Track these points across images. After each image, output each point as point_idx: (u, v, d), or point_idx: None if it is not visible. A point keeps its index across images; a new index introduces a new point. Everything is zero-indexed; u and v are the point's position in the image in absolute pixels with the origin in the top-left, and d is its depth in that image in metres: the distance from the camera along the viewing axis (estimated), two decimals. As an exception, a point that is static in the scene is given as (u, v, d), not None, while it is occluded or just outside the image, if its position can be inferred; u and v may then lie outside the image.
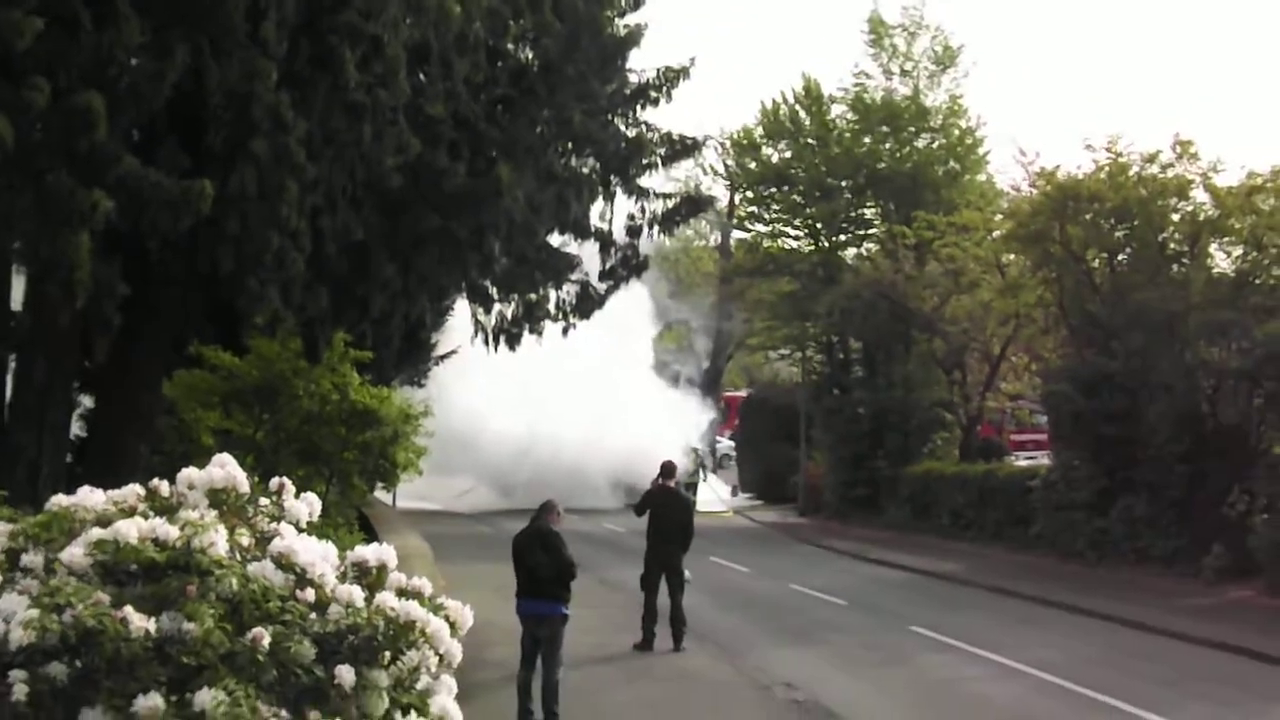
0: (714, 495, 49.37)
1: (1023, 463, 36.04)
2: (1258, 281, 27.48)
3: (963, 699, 15.70)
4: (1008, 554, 30.07)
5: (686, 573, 19.00)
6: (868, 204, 51.03)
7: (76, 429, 21.57)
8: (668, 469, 20.18)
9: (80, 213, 15.39)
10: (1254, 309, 26.08)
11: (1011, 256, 33.53)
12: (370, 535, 21.21)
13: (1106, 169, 29.88)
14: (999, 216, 35.48)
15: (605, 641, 18.34)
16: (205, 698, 4.77)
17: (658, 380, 52.54)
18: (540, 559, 14.37)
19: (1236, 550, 24.65)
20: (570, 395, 45.57)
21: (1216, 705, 14.95)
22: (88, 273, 15.81)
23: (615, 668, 17.44)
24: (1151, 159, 29.51)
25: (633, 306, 52.04)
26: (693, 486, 43.34)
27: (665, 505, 19.22)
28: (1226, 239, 29.13)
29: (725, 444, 58.16)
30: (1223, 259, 29.47)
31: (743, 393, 61.23)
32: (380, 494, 32.31)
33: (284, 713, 4.93)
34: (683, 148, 34.45)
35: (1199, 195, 29.26)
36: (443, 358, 38.83)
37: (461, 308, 33.41)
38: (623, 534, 34.34)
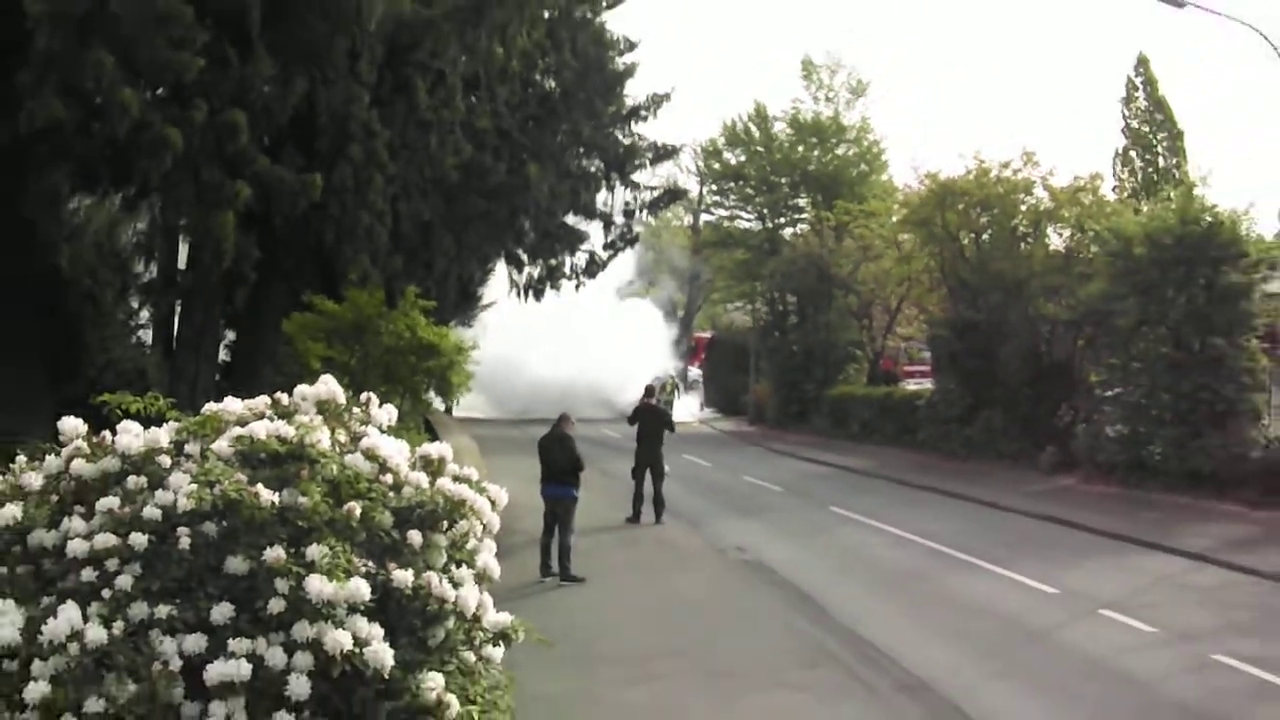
0: (685, 410, 49.36)
1: (912, 387, 36.06)
2: (1081, 256, 27.49)
3: (866, 559, 15.80)
4: (901, 454, 30.14)
5: (666, 466, 19.11)
6: (801, 196, 51.13)
7: (223, 355, 21.71)
8: (650, 389, 20.29)
9: (227, 198, 15.51)
10: (1078, 276, 26.11)
11: (906, 235, 33.47)
12: (433, 436, 21.30)
13: (974, 172, 29.76)
14: (896, 206, 35.39)
15: (605, 516, 18.46)
16: (314, 551, 4.84)
17: (643, 323, 52.26)
18: (557, 455, 14.51)
19: (1064, 450, 24.85)
20: (578, 337, 45.44)
21: (1042, 561, 15.05)
22: (232, 242, 15.92)
23: (612, 535, 17.58)
24: (1006, 165, 29.42)
25: (626, 271, 52.11)
26: (669, 403, 43.52)
27: (650, 417, 19.29)
28: (1059, 224, 29.13)
29: (695, 372, 58.06)
30: (1056, 239, 29.51)
31: (708, 334, 61.09)
32: (440, 405, 32.37)
33: (370, 564, 4.99)
34: (665, 153, 34.38)
35: (1040, 192, 29.27)
36: (486, 307, 38.72)
37: (500, 269, 33.41)
38: (618, 438, 34.39)
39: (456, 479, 5.57)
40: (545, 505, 14.43)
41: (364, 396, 6.13)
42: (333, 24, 16.15)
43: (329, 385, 5.90)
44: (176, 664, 4.57)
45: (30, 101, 13.71)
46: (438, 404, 30.46)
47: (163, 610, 4.68)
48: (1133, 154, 49.44)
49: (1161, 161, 48.78)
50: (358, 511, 5.08)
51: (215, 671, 4.51)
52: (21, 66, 13.84)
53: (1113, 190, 39.32)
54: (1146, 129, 49.45)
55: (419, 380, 23.23)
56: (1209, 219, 21.84)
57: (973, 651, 10.78)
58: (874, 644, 10.92)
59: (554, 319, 42.24)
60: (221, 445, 5.28)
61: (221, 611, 4.70)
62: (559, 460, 14.47)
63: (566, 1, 26.04)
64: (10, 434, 9.65)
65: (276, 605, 4.71)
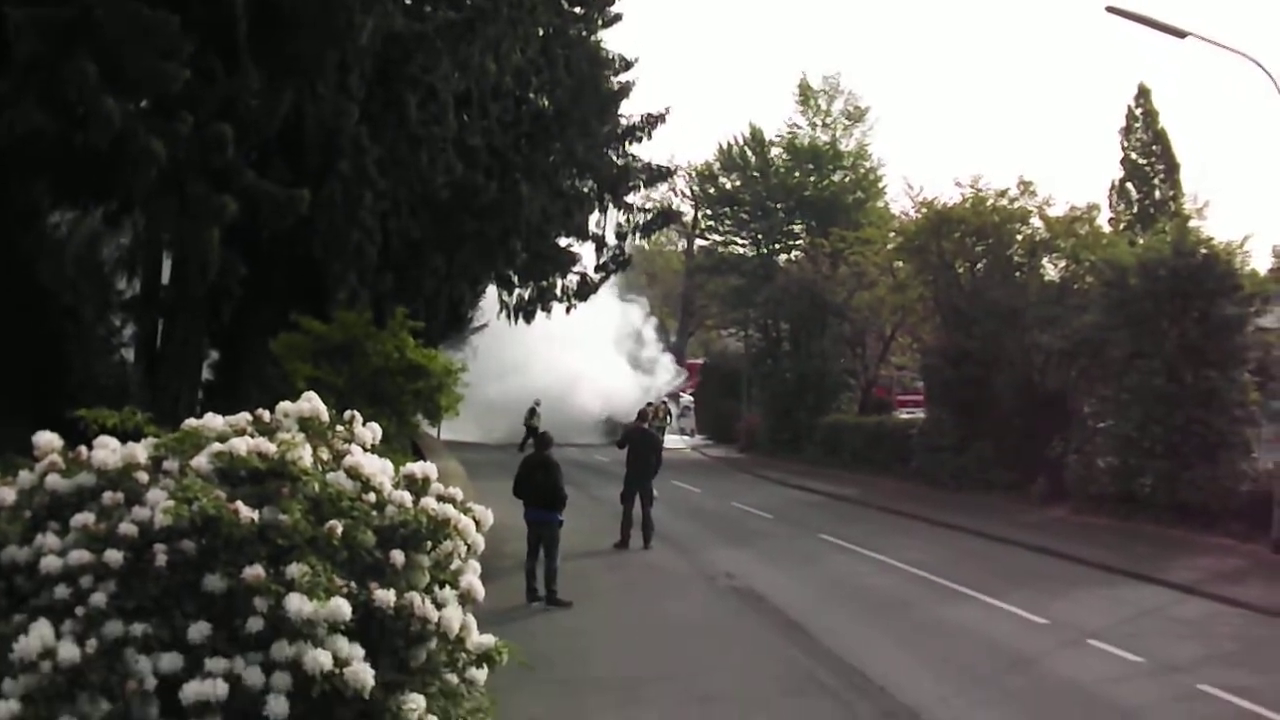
0: (677, 436, 49.35)
1: (905, 416, 36.08)
2: (1076, 286, 27.58)
3: (855, 586, 15.78)
4: (892, 482, 30.07)
5: (655, 492, 19.07)
6: (796, 221, 51.30)
7: (207, 374, 21.58)
8: (643, 414, 20.29)
9: (213, 212, 15.42)
10: (1073, 306, 26.14)
11: (900, 263, 33.49)
12: (420, 458, 21.19)
13: (970, 200, 29.87)
14: (892, 233, 35.42)
15: (593, 541, 18.40)
16: (294, 570, 4.81)
17: (635, 349, 52.28)
18: (540, 479, 14.38)
19: (1055, 481, 24.85)
20: (567, 361, 45.44)
21: (1032, 591, 15.05)
22: (217, 258, 15.84)
23: (600, 560, 17.53)
24: (1003, 194, 29.60)
25: (616, 296, 52.15)
26: (661, 429, 43.48)
27: (641, 441, 19.25)
28: (1055, 254, 29.25)
29: (687, 398, 58.07)
30: (1052, 269, 29.62)
31: (701, 360, 61.13)
32: (428, 429, 32.26)
33: (352, 583, 4.95)
34: (659, 174, 34.53)
35: (1036, 222, 29.39)
36: (477, 329, 38.69)
37: (490, 291, 33.38)
38: (607, 463, 34.32)
39: (441, 499, 5.53)
40: (529, 529, 14.33)
41: (348, 414, 6.08)
42: (322, 36, 16.10)
43: (312, 402, 5.86)
44: (151, 683, 4.53)
45: (9, 111, 13.53)
46: (427, 427, 30.38)
47: (138, 628, 4.64)
48: (1129, 186, 49.71)
49: (1158, 194, 49.02)
50: (339, 530, 5.04)
51: (191, 691, 4.48)
52: (1, 75, 13.73)
53: (1109, 222, 39.46)
54: (1145, 161, 49.72)
55: (406, 401, 23.07)
56: (1204, 251, 21.93)
57: (961, 679, 10.78)
58: (862, 671, 10.89)
59: (544, 341, 42.22)
60: (201, 461, 5.24)
61: (199, 630, 4.66)
62: (543, 484, 14.33)
63: (561, 18, 26.17)
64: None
65: (255, 624, 4.68)
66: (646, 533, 18.62)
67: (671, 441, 45.90)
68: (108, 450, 5.26)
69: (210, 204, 15.40)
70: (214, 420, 5.66)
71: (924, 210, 31.01)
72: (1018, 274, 29.37)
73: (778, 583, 15.83)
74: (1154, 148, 49.70)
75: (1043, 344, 26.99)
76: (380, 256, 19.88)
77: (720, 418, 48.22)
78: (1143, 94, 50.46)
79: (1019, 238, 29.45)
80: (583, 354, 46.21)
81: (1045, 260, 29.55)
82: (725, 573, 16.53)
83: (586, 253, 33.15)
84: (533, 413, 41.73)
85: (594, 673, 10.69)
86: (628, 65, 31.48)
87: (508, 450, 36.62)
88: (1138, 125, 50.10)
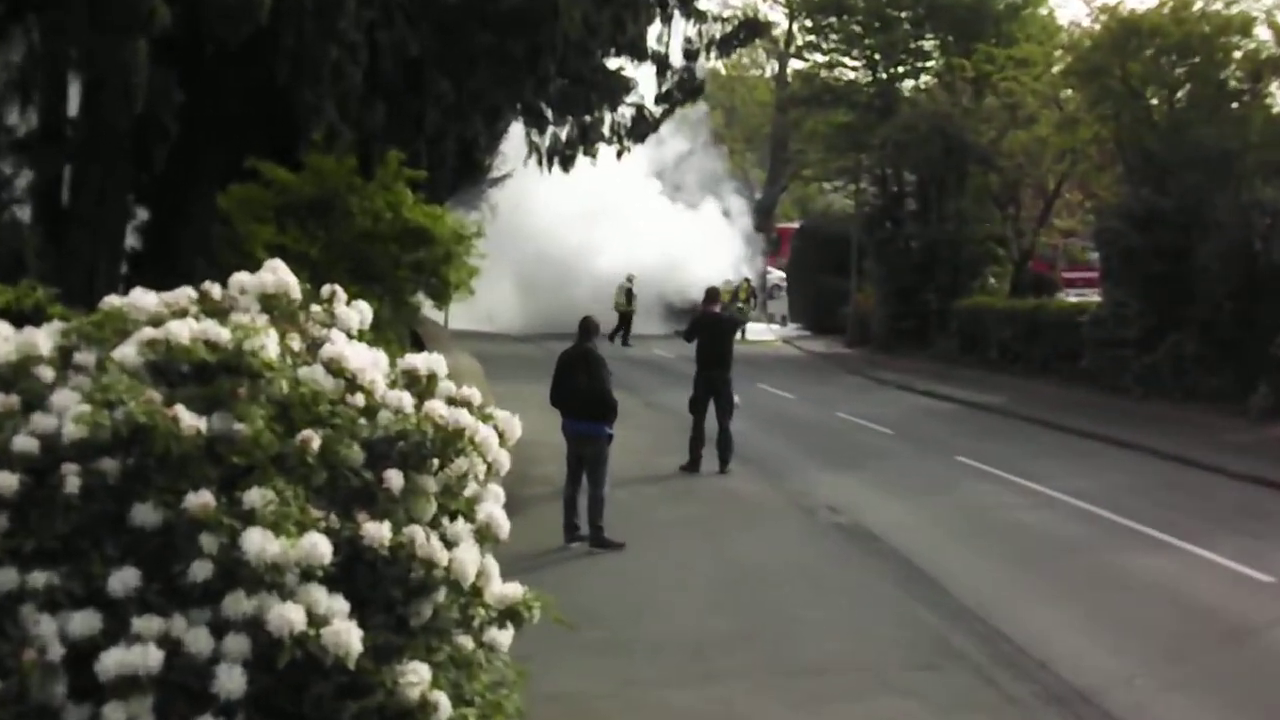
0: (764, 324, 49.48)
1: (1073, 299, 35.85)
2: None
3: (1000, 525, 15.78)
4: (1054, 388, 30.11)
5: (736, 397, 19.06)
6: (927, 36, 50.21)
7: (133, 241, 21.64)
8: (711, 294, 20.12)
9: (137, 19, 15.27)
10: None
11: (1070, 92, 33.06)
12: (422, 351, 21.28)
13: (1170, 3, 29.29)
14: (1059, 51, 34.91)
15: (651, 462, 18.52)
16: (255, 497, 4.76)
17: (706, 208, 52.21)
18: (582, 381, 14.32)
19: (1281, 389, 24.59)
20: (619, 221, 45.52)
21: (1249, 538, 14.92)
22: (145, 81, 15.74)
23: (661, 487, 17.63)
24: (1215, -6, 28.93)
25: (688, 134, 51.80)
26: (743, 314, 43.61)
27: (713, 330, 19.18)
28: (1288, 77, 28.67)
29: (776, 274, 57.98)
30: (1282, 99, 29.05)
31: (795, 224, 60.86)
32: (432, 313, 32.43)
33: (333, 514, 4.92)
34: (742, -30, 33.88)
35: (1262, 33, 28.74)
36: (497, 181, 38.59)
37: (516, 131, 33.16)
38: (671, 359, 34.48)
39: (452, 402, 5.50)
40: (568, 447, 14.41)
41: (326, 290, 6.07)
42: None
43: (278, 273, 5.82)
44: (57, 651, 4.51)
45: None
46: (430, 311, 30.55)
47: (39, 578, 4.60)
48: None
49: None
50: (316, 443, 5.01)
51: (112, 661, 4.44)
52: None
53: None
54: None
55: (403, 276, 23.17)
56: None
57: (1149, 653, 10.75)
58: (1012, 638, 10.92)
59: (587, 199, 42.20)
60: (127, 352, 5.19)
61: (123, 580, 4.62)
62: (586, 388, 14.32)
63: None
64: None
65: (201, 570, 4.65)
66: (723, 451, 18.68)
67: (756, 331, 46.14)
68: (-4, 339, 5.24)
69: (134, 6, 15.24)
70: (144, 298, 5.61)
71: (1104, 19, 30.38)
72: (1234, 105, 28.79)
73: (897, 518, 15.89)
74: None
75: (1267, 201, 26.46)
76: (366, 82, 19.68)
77: (821, 301, 48.25)
78: None
79: (1237, 55, 28.82)
80: (638, 212, 46.25)
81: (1274, 86, 28.91)
82: (827, 505, 16.63)
83: (644, 78, 32.71)
84: (629, 295, 42.10)
85: (652, 635, 10.75)
86: None
87: (540, 343, 36.82)
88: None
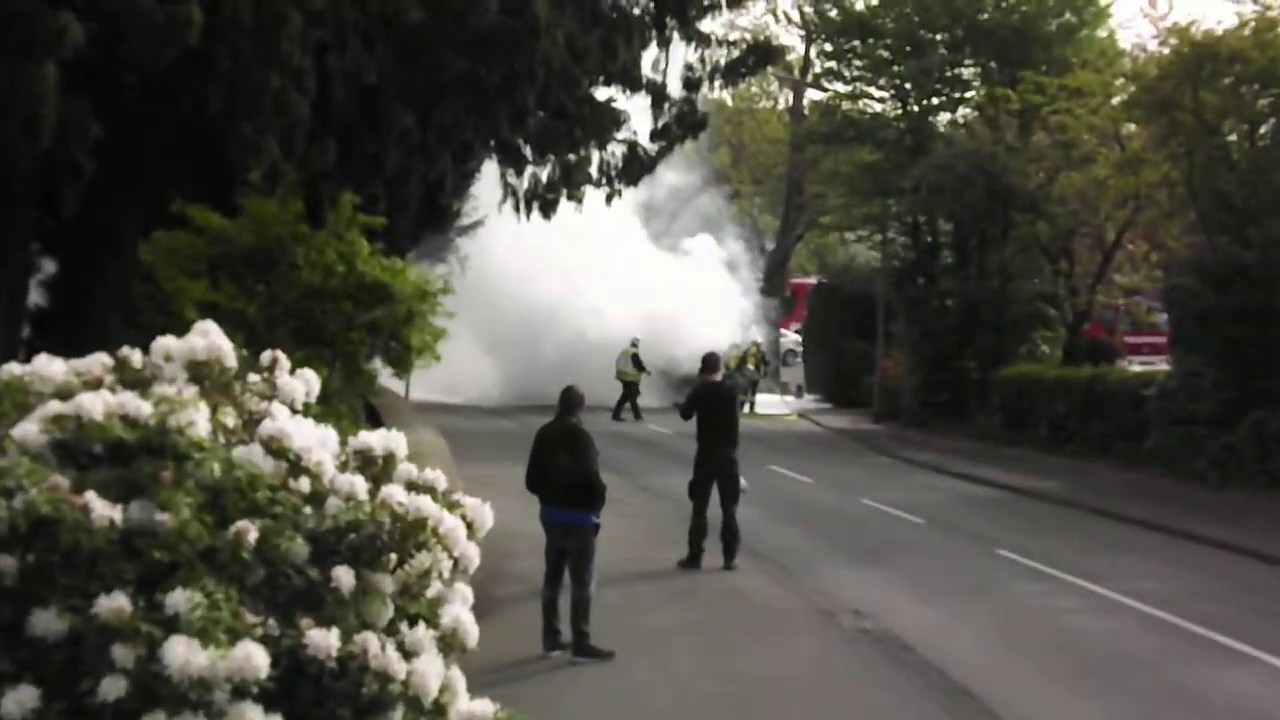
0: (776, 396, 49.57)
1: (1137, 368, 35.85)
2: None
3: (1055, 633, 15.72)
4: (1114, 472, 30.02)
5: (743, 481, 19.06)
6: (966, 62, 50.43)
7: (36, 295, 21.62)
8: (711, 361, 20.12)
9: (45, 39, 15.30)
10: None
11: (1133, 127, 33.15)
12: (379, 426, 21.26)
13: (1252, 24, 29.38)
14: (1120, 80, 34.99)
15: (646, 556, 18.50)
16: (179, 599, 4.71)
17: (712, 262, 52.42)
18: (563, 462, 14.30)
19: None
20: (610, 278, 45.68)
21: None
22: (54, 110, 15.74)
23: (656, 586, 17.60)
24: (1306, 11, 29.14)
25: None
26: (754, 383, 43.72)
27: (714, 403, 19.19)
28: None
29: (791, 338, 58.15)
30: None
31: (812, 279, 61.10)
32: (391, 382, 32.48)
33: (271, 620, 4.89)
34: (751, -12, 34.10)
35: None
36: (467, 228, 38.82)
37: (489, 172, 33.33)
38: (668, 435, 34.48)
39: (412, 487, 5.50)
40: (549, 538, 14.39)
41: (267, 356, 6.06)
42: None
43: (210, 337, 5.82)
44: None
45: None
46: (389, 380, 30.61)
47: (-83, 696, 4.57)
48: None
49: None
50: (252, 536, 4.98)
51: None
52: None
53: None
54: None
55: (358, 341, 23.30)
56: None
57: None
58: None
59: (571, 251, 42.40)
60: (29, 430, 5.17)
61: (19, 700, 4.58)
62: (567, 468, 14.29)
63: None
64: None
65: (114, 688, 4.60)
66: (729, 544, 18.65)
67: (767, 404, 46.21)
68: None
69: (41, 25, 15.29)
70: (50, 366, 5.60)
71: (1174, 42, 30.54)
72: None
73: (932, 624, 15.88)
74: None
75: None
76: (315, 113, 19.77)
77: (842, 369, 48.39)
78: None
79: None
80: (630, 266, 46.45)
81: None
82: (851, 608, 16.59)
83: (638, 110, 32.92)
84: (635, 361, 42.17)
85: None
86: None
87: (516, 417, 36.82)
88: None
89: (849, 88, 53.42)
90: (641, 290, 46.45)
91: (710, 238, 54.19)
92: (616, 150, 32.74)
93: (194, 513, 4.94)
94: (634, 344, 42.81)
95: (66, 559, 4.79)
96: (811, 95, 58.21)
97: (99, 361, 5.68)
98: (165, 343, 5.81)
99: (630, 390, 42.64)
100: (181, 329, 5.91)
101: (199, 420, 5.27)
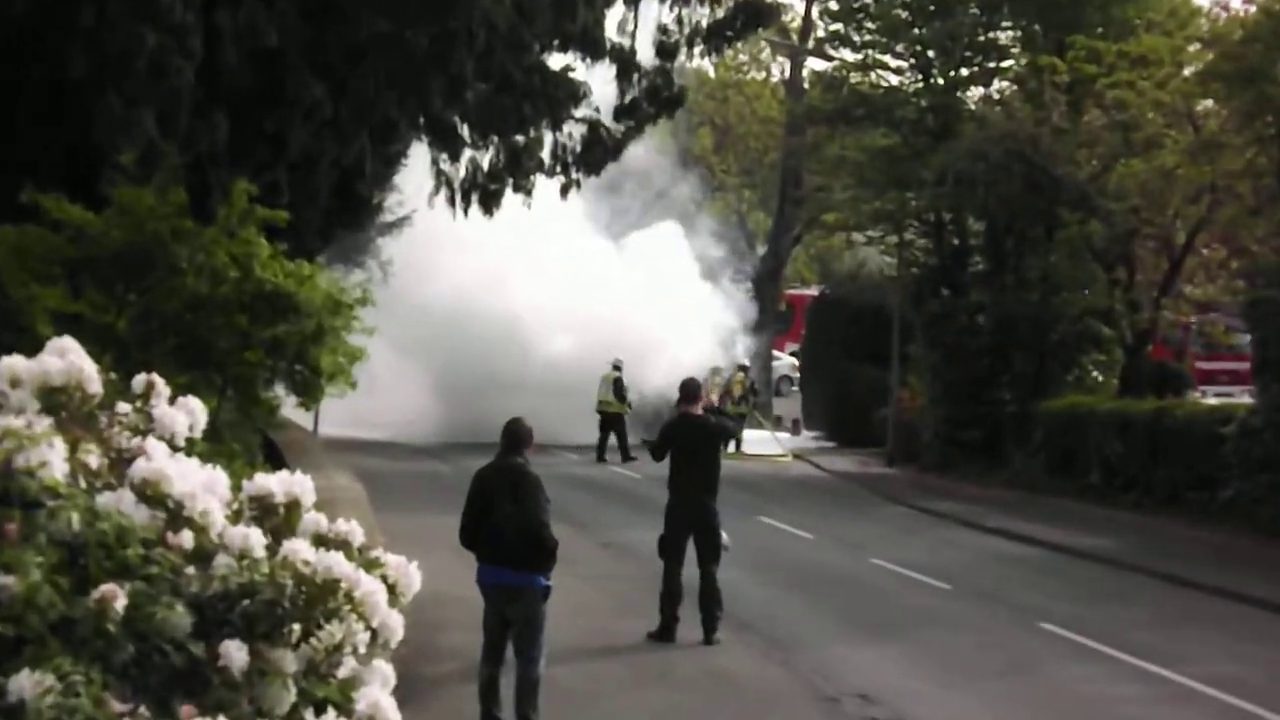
0: (767, 433, 49.62)
1: (1212, 400, 35.97)
2: None
3: (1114, 727, 15.77)
4: (1184, 528, 30.07)
5: (725, 536, 19.06)
6: (1003, 24, 50.69)
7: None
8: (690, 390, 20.08)
9: None
10: None
11: (1210, 103, 33.32)
12: (281, 468, 21.26)
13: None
14: (1195, 45, 35.16)
15: (608, 627, 18.58)
16: (26, 683, 4.70)
17: (686, 267, 52.49)
18: (508, 511, 14.28)
19: None
20: (569, 288, 45.72)
21: None
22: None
23: (621, 664, 17.63)
24: None
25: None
26: (742, 416, 43.76)
27: (692, 441, 19.19)
28: None
29: (786, 361, 58.31)
30: None
31: (813, 290, 61.29)
32: (296, 414, 32.45)
33: (143, 708, 4.87)
34: (737, -62, 34.26)
35: None
36: (391, 226, 38.85)
37: (418, 155, 33.37)
38: (635, 480, 34.54)
39: (322, 542, 5.52)
40: (488, 604, 14.37)
41: (140, 381, 6.11)
42: None
43: (68, 358, 5.84)
44: None
45: None
46: (293, 411, 30.58)
47: None
48: None
49: None
50: (120, 603, 4.98)
51: None
52: None
53: None
54: None
55: (255, 363, 23.26)
56: None
57: None
58: None
59: (518, 254, 42.45)
60: None
61: None
62: (511, 518, 14.26)
63: None
64: None
65: (-55, 794, 4.59)
66: (709, 613, 18.64)
67: (756, 442, 46.27)
68: None
69: None
70: None
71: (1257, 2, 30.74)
72: None
73: (957, 712, 15.99)
74: None
75: None
76: (201, 82, 19.77)
77: (849, 399, 48.48)
78: None
79: None
80: (591, 274, 46.54)
81: None
82: (857, 692, 16.60)
83: (601, 82, 33.00)
84: (618, 387, 42.11)
85: None
86: None
87: (449, 457, 36.83)
88: None
89: (859, 56, 53.59)
90: (610, 305, 46.43)
91: (677, 225, 53.88)
92: (574, 131, 32.77)
93: (45, 575, 4.94)
94: (616, 366, 42.61)
95: (-113, 631, 4.79)
96: (813, 65, 58.42)
97: (-77, 389, 5.67)
98: (12, 363, 5.80)
99: (610, 424, 42.51)
100: (33, 347, 5.89)
101: (54, 460, 5.28)
